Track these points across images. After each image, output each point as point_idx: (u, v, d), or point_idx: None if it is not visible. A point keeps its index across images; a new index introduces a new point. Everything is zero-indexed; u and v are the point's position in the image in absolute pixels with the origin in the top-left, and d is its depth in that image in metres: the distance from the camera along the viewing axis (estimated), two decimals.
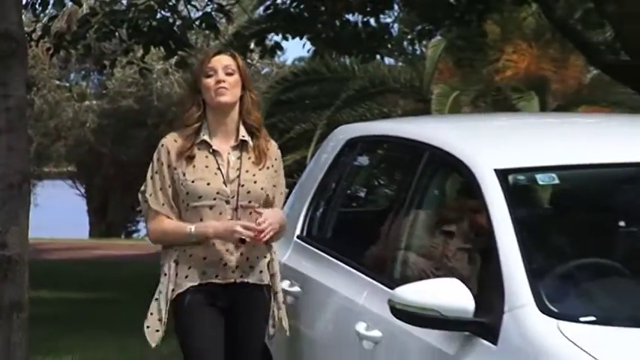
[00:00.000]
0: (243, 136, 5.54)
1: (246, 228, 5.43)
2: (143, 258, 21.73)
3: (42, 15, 14.11)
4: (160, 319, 5.62)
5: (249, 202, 5.51)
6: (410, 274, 5.42)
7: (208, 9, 14.00)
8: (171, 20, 13.65)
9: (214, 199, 5.46)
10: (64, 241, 24.94)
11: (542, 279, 4.79)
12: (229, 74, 5.53)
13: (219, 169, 5.49)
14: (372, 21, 14.41)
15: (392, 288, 5.12)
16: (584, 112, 20.61)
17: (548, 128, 6.57)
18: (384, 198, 7.04)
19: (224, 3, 14.64)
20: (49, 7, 13.67)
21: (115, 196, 32.70)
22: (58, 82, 31.03)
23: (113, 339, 11.57)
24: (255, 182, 5.51)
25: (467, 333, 4.85)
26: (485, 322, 4.77)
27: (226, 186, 5.48)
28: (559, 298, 4.75)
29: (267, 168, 5.58)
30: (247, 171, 5.52)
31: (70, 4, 14.39)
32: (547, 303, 4.67)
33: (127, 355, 10.69)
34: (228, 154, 5.53)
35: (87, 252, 23.17)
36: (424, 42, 21.70)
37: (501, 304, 4.74)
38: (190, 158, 5.49)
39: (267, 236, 5.49)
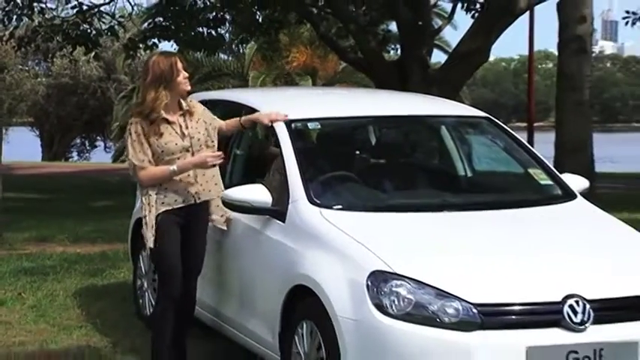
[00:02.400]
0: (186, 107, 5.16)
1: (211, 156, 5.03)
2: (75, 174, 21.32)
3: (9, 25, 14.15)
4: (150, 233, 5.06)
5: (200, 146, 5.14)
6: (235, 183, 5.39)
7: (112, 24, 14.02)
8: (89, 31, 13.89)
9: (181, 152, 5.07)
10: (25, 163, 24.10)
11: (311, 183, 4.82)
12: (185, 70, 5.16)
13: (176, 132, 5.09)
14: (214, 32, 14.29)
15: None
16: (338, 87, 20.80)
17: (316, 96, 6.62)
18: (220, 138, 6.94)
19: (122, 20, 14.70)
20: (13, 20, 13.85)
21: (58, 136, 33.04)
22: (20, 67, 30.64)
23: (55, 222, 11.27)
24: (198, 132, 5.14)
25: (267, 216, 4.86)
26: (278, 209, 4.79)
27: (184, 141, 5.09)
28: (321, 195, 4.78)
29: (199, 118, 5.19)
30: (191, 127, 5.13)
31: (26, 20, 14.36)
32: (313, 198, 4.71)
33: (65, 231, 10.44)
34: (178, 120, 5.13)
35: (39, 169, 22.54)
36: (244, 45, 21.64)
37: (287, 199, 4.77)
38: (158, 129, 5.06)
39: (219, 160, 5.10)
